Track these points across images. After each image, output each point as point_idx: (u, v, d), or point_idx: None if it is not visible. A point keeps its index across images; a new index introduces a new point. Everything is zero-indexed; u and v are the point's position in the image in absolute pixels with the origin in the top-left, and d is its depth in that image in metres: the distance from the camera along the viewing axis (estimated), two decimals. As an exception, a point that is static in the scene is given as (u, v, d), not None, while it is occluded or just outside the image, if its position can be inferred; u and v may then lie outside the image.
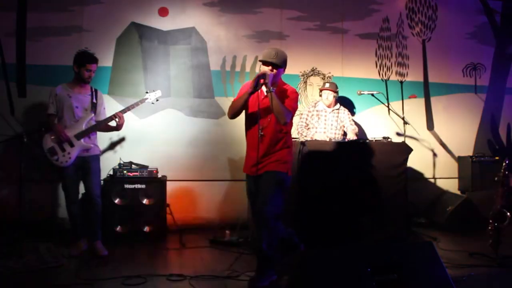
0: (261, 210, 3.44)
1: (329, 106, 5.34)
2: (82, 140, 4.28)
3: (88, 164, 4.32)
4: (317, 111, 5.36)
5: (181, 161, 5.50)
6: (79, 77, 4.31)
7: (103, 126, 4.42)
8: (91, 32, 5.34)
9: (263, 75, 3.42)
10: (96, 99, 4.40)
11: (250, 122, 3.66)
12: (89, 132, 4.32)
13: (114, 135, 5.25)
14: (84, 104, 4.35)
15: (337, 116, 5.34)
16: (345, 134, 5.33)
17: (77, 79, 4.35)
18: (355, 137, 5.08)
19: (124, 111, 4.45)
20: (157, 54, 5.51)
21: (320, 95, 5.40)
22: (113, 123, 4.45)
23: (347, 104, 5.90)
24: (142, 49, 5.51)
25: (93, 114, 4.36)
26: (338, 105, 5.42)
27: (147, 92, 4.71)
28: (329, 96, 5.31)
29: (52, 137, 4.26)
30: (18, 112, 5.19)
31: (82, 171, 4.33)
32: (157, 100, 4.73)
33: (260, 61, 3.61)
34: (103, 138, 5.11)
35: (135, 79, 5.47)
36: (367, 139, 5.09)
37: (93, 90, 4.43)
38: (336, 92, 5.36)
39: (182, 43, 5.60)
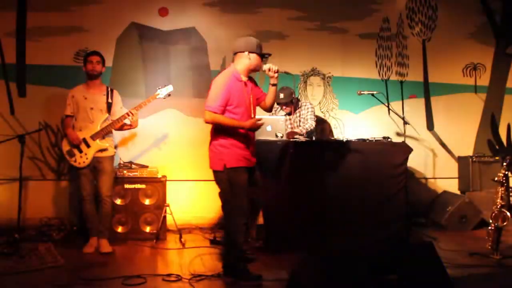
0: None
1: (290, 114, 5.17)
2: (97, 141, 4.35)
3: (101, 164, 4.39)
4: (283, 116, 5.13)
5: (181, 161, 5.49)
6: (87, 74, 4.39)
7: (118, 125, 4.47)
8: (91, 32, 5.34)
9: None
10: (112, 99, 4.46)
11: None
12: (104, 132, 4.39)
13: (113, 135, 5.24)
14: (99, 104, 4.41)
15: (299, 115, 5.19)
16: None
17: (88, 78, 4.42)
18: (301, 132, 4.95)
19: (136, 108, 4.48)
20: (157, 54, 5.51)
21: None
22: (127, 121, 4.51)
23: (347, 104, 5.90)
24: (142, 49, 5.50)
25: (107, 115, 4.42)
26: (299, 103, 5.23)
27: (158, 88, 4.63)
28: (286, 111, 5.14)
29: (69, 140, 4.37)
30: (18, 112, 5.19)
31: (95, 170, 4.41)
32: (168, 95, 4.67)
33: (263, 54, 3.67)
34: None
35: (135, 79, 5.47)
36: (367, 139, 5.08)
37: (109, 90, 4.49)
38: (291, 101, 5.08)
39: (182, 43, 5.60)
